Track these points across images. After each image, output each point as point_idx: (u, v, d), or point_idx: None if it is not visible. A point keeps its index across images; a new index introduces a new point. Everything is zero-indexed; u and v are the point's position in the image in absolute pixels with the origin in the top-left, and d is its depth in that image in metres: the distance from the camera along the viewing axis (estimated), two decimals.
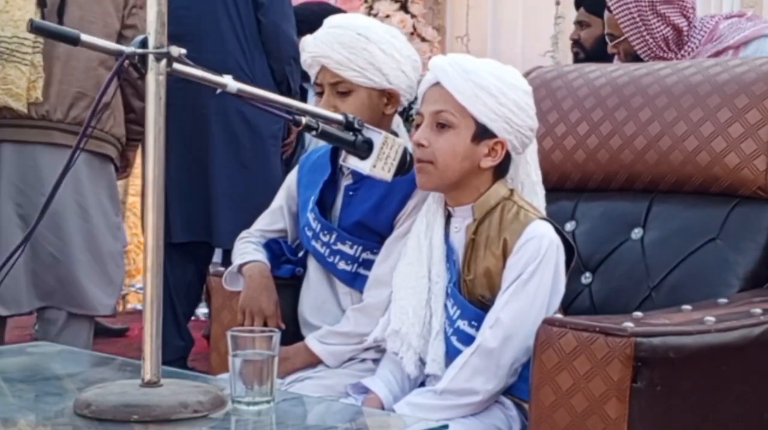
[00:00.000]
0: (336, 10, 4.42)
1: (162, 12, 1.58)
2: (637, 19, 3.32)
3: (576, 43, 4.29)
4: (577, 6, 4.40)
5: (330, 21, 2.24)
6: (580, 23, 4.34)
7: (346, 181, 2.27)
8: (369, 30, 2.19)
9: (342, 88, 2.19)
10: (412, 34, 5.29)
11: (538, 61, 4.88)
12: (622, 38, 3.41)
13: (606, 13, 3.52)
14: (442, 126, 2.04)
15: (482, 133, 2.03)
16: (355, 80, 2.17)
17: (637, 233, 2.28)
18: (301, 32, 3.39)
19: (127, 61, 1.60)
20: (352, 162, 2.04)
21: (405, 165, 2.02)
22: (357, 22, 2.24)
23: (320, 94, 2.23)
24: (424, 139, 2.04)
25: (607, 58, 3.54)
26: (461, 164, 2.03)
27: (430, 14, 5.58)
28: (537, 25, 4.74)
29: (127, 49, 1.61)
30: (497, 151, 2.05)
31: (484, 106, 2.01)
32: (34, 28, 1.60)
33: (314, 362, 2.23)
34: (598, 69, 2.53)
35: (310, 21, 3.82)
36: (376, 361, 2.20)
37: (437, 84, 2.05)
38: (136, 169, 5.06)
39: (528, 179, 2.13)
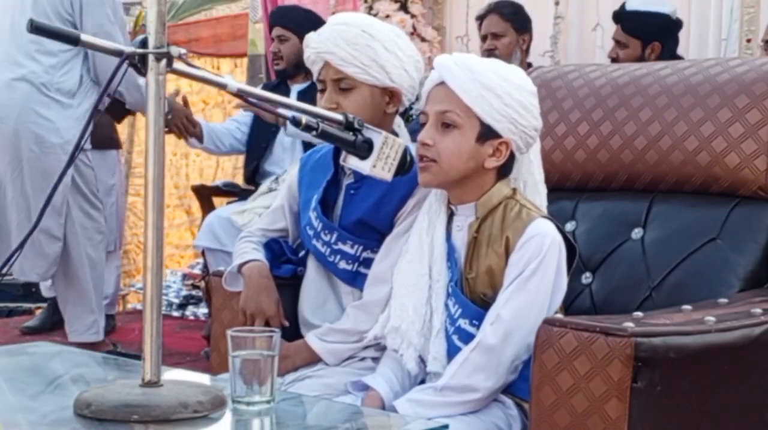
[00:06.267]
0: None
1: (162, 12, 1.58)
2: None
3: (615, 62, 4.21)
4: (615, 21, 4.35)
5: (334, 18, 2.25)
6: (618, 42, 4.30)
7: (347, 180, 2.26)
8: (373, 28, 2.19)
9: (344, 85, 2.19)
10: (411, 34, 5.28)
11: (538, 61, 4.87)
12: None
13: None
14: (447, 126, 2.03)
15: (487, 133, 2.03)
16: (357, 77, 2.17)
17: (637, 233, 2.28)
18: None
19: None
20: (352, 162, 2.04)
21: (405, 165, 2.02)
22: (361, 19, 2.25)
23: (322, 91, 2.23)
24: (428, 138, 2.04)
25: None
26: (466, 164, 2.03)
27: (429, 14, 5.57)
28: (536, 25, 4.73)
29: (127, 49, 1.60)
30: (502, 151, 2.04)
31: (489, 107, 2.01)
32: (34, 28, 1.59)
33: (314, 359, 2.23)
34: (599, 69, 2.52)
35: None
36: (375, 359, 2.20)
37: (442, 83, 2.05)
38: (137, 168, 5.07)
39: (531, 178, 2.13)
